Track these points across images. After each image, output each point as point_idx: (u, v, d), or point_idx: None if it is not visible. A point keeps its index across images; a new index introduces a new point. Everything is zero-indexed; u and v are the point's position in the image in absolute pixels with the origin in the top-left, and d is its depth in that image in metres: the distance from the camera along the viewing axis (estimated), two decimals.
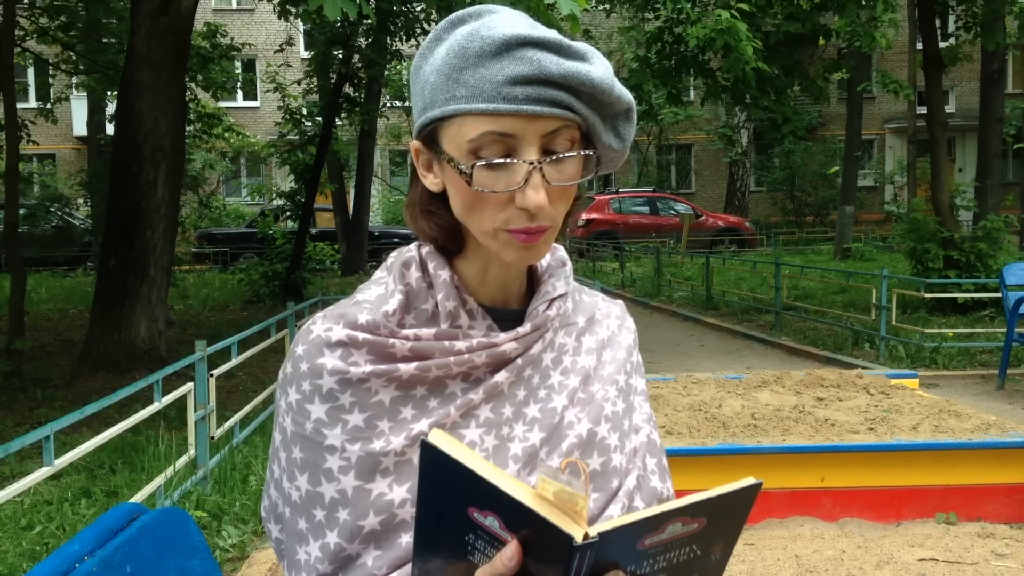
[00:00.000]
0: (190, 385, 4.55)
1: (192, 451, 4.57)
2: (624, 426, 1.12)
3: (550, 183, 0.97)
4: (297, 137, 15.08)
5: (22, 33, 12.12)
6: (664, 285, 15.14)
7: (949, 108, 27.95)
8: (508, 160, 0.95)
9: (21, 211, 18.37)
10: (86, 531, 1.10)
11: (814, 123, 27.06)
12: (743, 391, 5.20)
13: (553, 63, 0.94)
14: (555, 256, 1.17)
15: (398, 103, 25.23)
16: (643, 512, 0.79)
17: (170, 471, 4.31)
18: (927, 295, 9.71)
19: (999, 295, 8.09)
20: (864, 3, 10.91)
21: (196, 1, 8.18)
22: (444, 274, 1.05)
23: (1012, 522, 4.18)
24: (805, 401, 4.90)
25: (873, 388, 5.16)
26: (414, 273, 1.06)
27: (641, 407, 1.18)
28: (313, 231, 18.20)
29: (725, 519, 0.84)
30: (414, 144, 1.05)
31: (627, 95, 1.02)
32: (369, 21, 11.46)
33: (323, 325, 1.01)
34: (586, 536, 0.73)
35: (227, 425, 5.16)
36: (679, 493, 1.01)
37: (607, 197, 23.99)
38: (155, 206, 7.98)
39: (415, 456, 0.97)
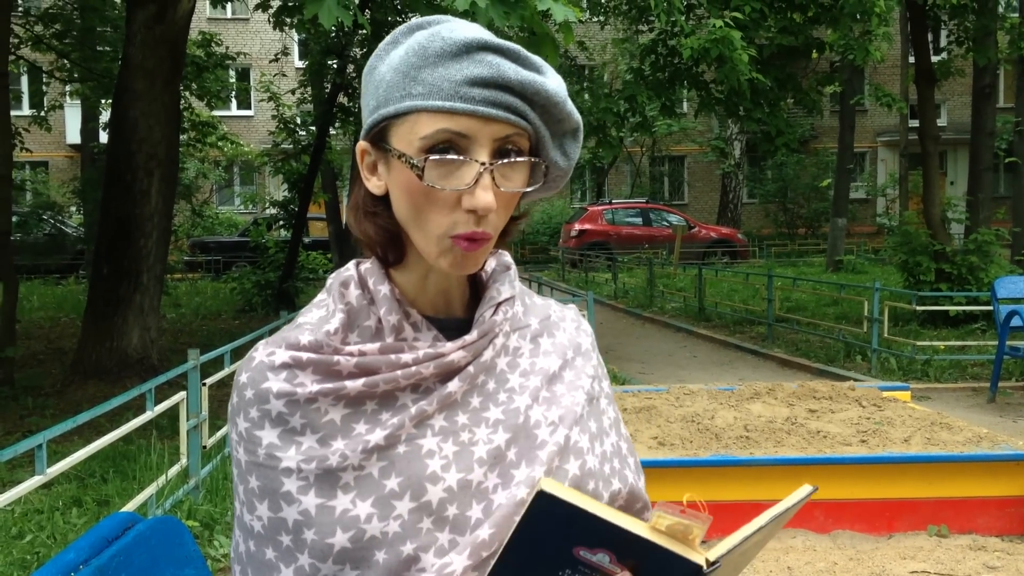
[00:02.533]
0: (182, 394, 4.54)
1: (184, 460, 4.56)
2: (593, 428, 1.11)
3: (499, 187, 0.97)
4: (291, 146, 15.11)
5: (17, 41, 12.12)
6: (657, 296, 15.16)
7: (941, 122, 28.09)
8: (461, 158, 0.95)
9: (13, 219, 18.30)
10: (81, 540, 1.10)
11: (807, 135, 27.18)
12: (735, 403, 5.21)
13: (511, 69, 0.96)
14: (500, 260, 1.15)
15: None
16: (742, 532, 0.84)
17: (162, 480, 4.30)
18: (919, 308, 9.74)
19: (990, 308, 8.12)
20: (858, 17, 10.97)
21: (191, 10, 8.19)
22: (384, 288, 1.04)
23: (1004, 535, 4.19)
24: (797, 413, 4.91)
25: (865, 400, 5.18)
26: (353, 291, 1.05)
27: (606, 410, 1.16)
28: (306, 240, 18.22)
29: (779, 525, 0.90)
30: (361, 145, 1.04)
31: (576, 114, 1.03)
32: (364, 31, 11.49)
33: (265, 350, 1.00)
34: (708, 562, 0.80)
35: (219, 434, 5.15)
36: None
37: (600, 208, 24.05)
38: (148, 214, 7.97)
39: (375, 470, 0.96)
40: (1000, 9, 12.75)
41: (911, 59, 13.19)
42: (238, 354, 5.58)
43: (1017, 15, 14.47)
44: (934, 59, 12.25)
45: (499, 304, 1.08)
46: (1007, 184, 25.77)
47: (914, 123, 14.17)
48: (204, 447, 4.79)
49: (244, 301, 14.05)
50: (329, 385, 0.98)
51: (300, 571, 0.95)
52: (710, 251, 23.00)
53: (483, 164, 0.95)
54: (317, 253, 18.41)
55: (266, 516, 0.97)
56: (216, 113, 19.33)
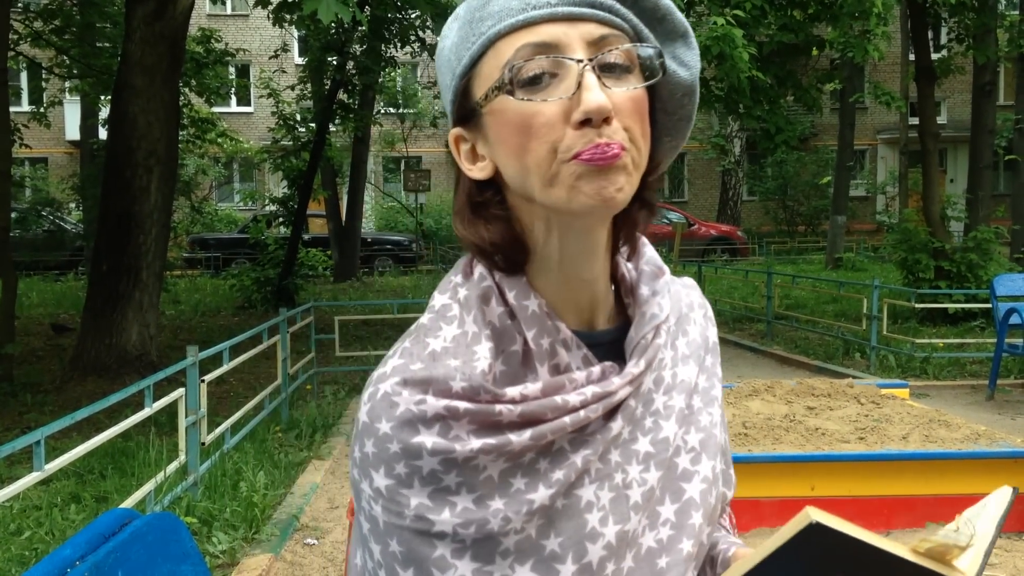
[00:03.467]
0: (181, 391, 4.54)
1: (183, 457, 4.56)
2: (722, 441, 1.00)
3: (610, 88, 0.81)
4: (290, 143, 15.09)
5: (16, 37, 12.10)
6: None
7: (941, 119, 28.09)
8: (554, 58, 0.81)
9: (13, 215, 18.29)
10: (78, 536, 1.10)
11: (806, 133, 27.16)
12: (734, 400, 5.21)
13: None
14: (648, 260, 0.99)
15: (392, 110, 25.27)
16: (982, 544, 0.81)
17: (160, 477, 4.30)
18: (918, 305, 9.75)
19: (989, 306, 8.12)
20: (857, 16, 10.96)
21: (191, 6, 8.18)
22: (532, 304, 0.88)
23: (1002, 532, 4.20)
24: (796, 410, 4.92)
25: (863, 398, 5.18)
26: (496, 308, 0.88)
27: (722, 417, 1.03)
28: (306, 237, 18.22)
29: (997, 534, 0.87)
30: (453, 133, 0.91)
31: (680, 14, 0.89)
32: (363, 28, 11.48)
33: (410, 396, 0.82)
34: None
35: (218, 431, 5.15)
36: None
37: None
38: (148, 211, 7.97)
39: (533, 530, 0.83)
40: (1000, 7, 12.75)
41: (911, 56, 13.18)
42: (237, 351, 5.59)
43: (1017, 12, 14.46)
44: (934, 56, 12.24)
45: (659, 325, 0.94)
46: (1007, 182, 25.77)
47: (914, 120, 14.15)
48: (203, 444, 4.79)
49: (243, 298, 14.05)
50: (492, 441, 0.82)
51: None
52: (710, 248, 23.00)
53: (581, 61, 0.81)
54: (317, 250, 18.42)
55: None
56: (216, 110, 19.32)
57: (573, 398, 0.85)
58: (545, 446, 0.85)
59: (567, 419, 0.85)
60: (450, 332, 0.87)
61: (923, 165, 11.50)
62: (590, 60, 0.81)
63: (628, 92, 0.82)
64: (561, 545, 0.84)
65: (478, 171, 0.89)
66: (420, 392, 0.82)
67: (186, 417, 4.57)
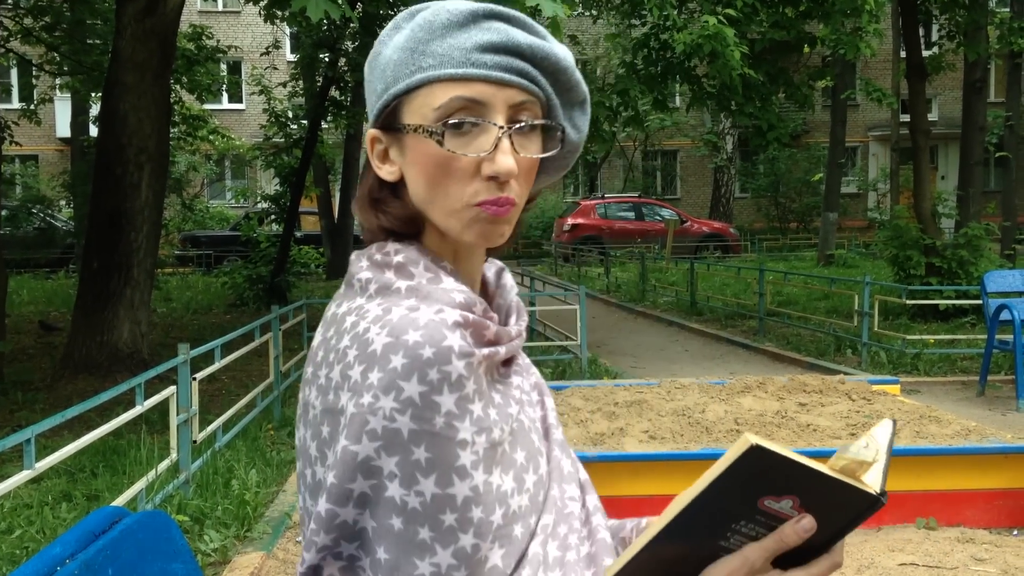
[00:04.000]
0: (173, 388, 4.53)
1: (174, 455, 4.55)
2: None
3: (519, 153, 0.96)
4: (282, 140, 15.06)
5: (6, 34, 12.06)
6: (649, 290, 15.18)
7: (932, 116, 28.16)
8: (480, 121, 0.94)
9: (3, 212, 18.23)
10: (67, 534, 1.10)
11: (798, 130, 27.21)
12: (726, 396, 5.22)
13: (521, 36, 0.96)
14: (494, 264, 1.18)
15: None
16: (884, 459, 0.89)
17: (152, 475, 4.29)
18: (909, 302, 9.78)
19: (980, 302, 8.16)
20: (849, 12, 10.98)
21: (182, 3, 8.15)
22: (446, 264, 1.01)
23: (992, 527, 4.22)
24: (787, 406, 4.93)
25: (855, 394, 5.20)
26: (429, 261, 1.00)
27: None
28: (298, 234, 18.17)
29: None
30: (372, 133, 1.02)
31: (584, 84, 1.02)
32: (355, 25, 11.46)
33: (428, 308, 0.92)
34: (880, 493, 0.89)
35: (210, 429, 5.14)
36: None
37: (593, 202, 24.05)
38: (139, 208, 7.94)
39: (507, 443, 0.95)
40: (991, 4, 12.79)
41: (903, 53, 13.20)
42: (229, 349, 5.58)
43: (1008, 10, 14.51)
44: (925, 53, 12.29)
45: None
46: (997, 178, 25.87)
47: (905, 117, 14.18)
48: (194, 442, 4.78)
49: (235, 295, 14.03)
50: (488, 350, 0.94)
51: (460, 552, 0.89)
52: (702, 245, 23.03)
53: (501, 128, 0.94)
54: (309, 247, 18.40)
55: (430, 492, 0.88)
56: (207, 107, 19.25)
57: (513, 329, 1.02)
58: (501, 368, 1.01)
59: (516, 342, 1.02)
60: (420, 275, 0.98)
61: (914, 162, 11.53)
62: (509, 127, 0.95)
63: (529, 158, 0.98)
64: (525, 458, 0.98)
65: (387, 173, 1.02)
66: (434, 303, 0.93)
67: (177, 415, 4.56)
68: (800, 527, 0.88)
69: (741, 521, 0.90)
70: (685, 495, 0.89)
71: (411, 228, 1.02)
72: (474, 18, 0.95)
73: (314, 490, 0.95)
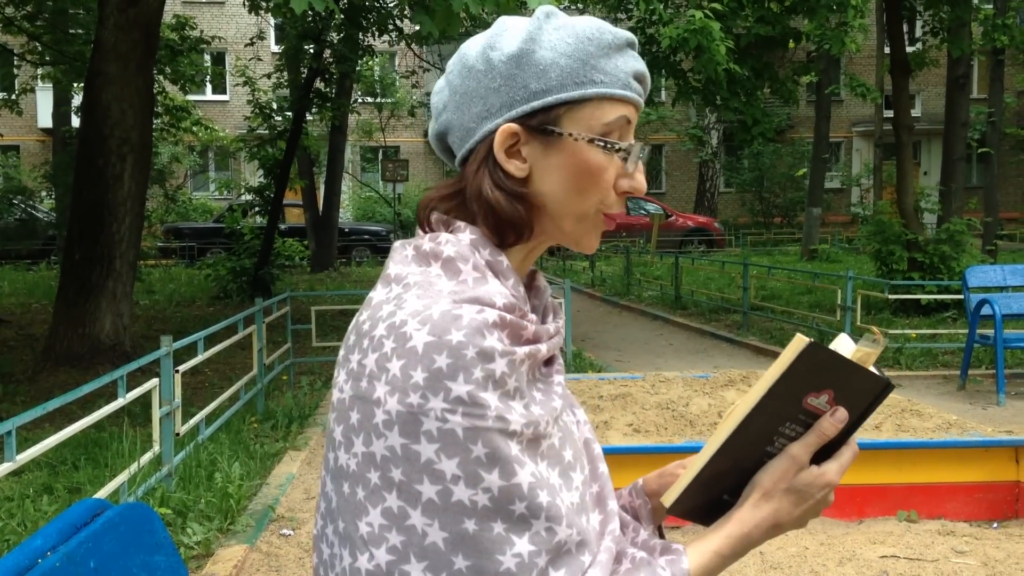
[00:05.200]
0: (155, 381, 4.51)
1: (157, 448, 4.53)
2: None
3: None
4: (267, 131, 14.96)
5: None
6: (633, 284, 15.21)
7: (915, 112, 28.34)
8: (639, 144, 1.04)
9: None
10: (49, 527, 1.09)
11: (783, 125, 27.31)
12: (710, 390, 5.24)
13: (645, 68, 1.07)
14: None
15: (370, 99, 25.12)
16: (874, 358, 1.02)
17: (134, 468, 4.27)
18: (891, 296, 9.84)
19: (961, 297, 8.22)
20: (834, 8, 11.02)
21: None
22: (504, 260, 1.02)
23: (972, 520, 4.26)
24: None
25: None
26: (479, 259, 1.01)
27: None
28: (282, 227, 18.10)
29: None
30: (510, 127, 1.01)
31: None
32: (340, 17, 11.40)
33: (470, 307, 0.93)
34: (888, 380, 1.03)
35: (192, 421, 5.12)
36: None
37: None
38: (121, 199, 7.88)
39: (556, 439, 0.98)
40: (974, 0, 12.85)
41: (887, 49, 13.26)
42: (212, 341, 5.55)
43: (991, 6, 14.60)
44: (909, 50, 12.34)
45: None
46: (979, 174, 26.06)
47: (889, 113, 14.26)
48: (177, 434, 4.76)
49: (219, 288, 13.95)
50: (529, 348, 0.96)
51: (537, 538, 0.90)
52: (687, 239, 23.10)
53: (643, 148, 1.04)
54: (293, 240, 18.28)
55: (496, 486, 0.89)
56: (190, 98, 19.14)
57: (551, 327, 1.04)
58: (542, 366, 1.03)
59: (555, 340, 1.04)
60: (448, 285, 0.98)
61: (897, 158, 11.59)
62: (643, 148, 1.05)
63: None
64: (573, 456, 1.01)
65: (515, 168, 1.02)
66: (476, 304, 0.94)
67: (160, 408, 4.54)
68: (836, 419, 1.00)
69: (787, 422, 0.99)
70: (742, 406, 0.98)
71: (519, 228, 1.03)
72: (629, 44, 1.04)
73: (336, 474, 0.96)
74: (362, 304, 1.04)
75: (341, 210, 22.19)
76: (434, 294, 0.95)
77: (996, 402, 7.08)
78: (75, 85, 14.40)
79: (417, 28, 8.20)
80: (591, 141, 1.01)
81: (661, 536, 1.18)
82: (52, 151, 21.20)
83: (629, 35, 1.05)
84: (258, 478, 5.01)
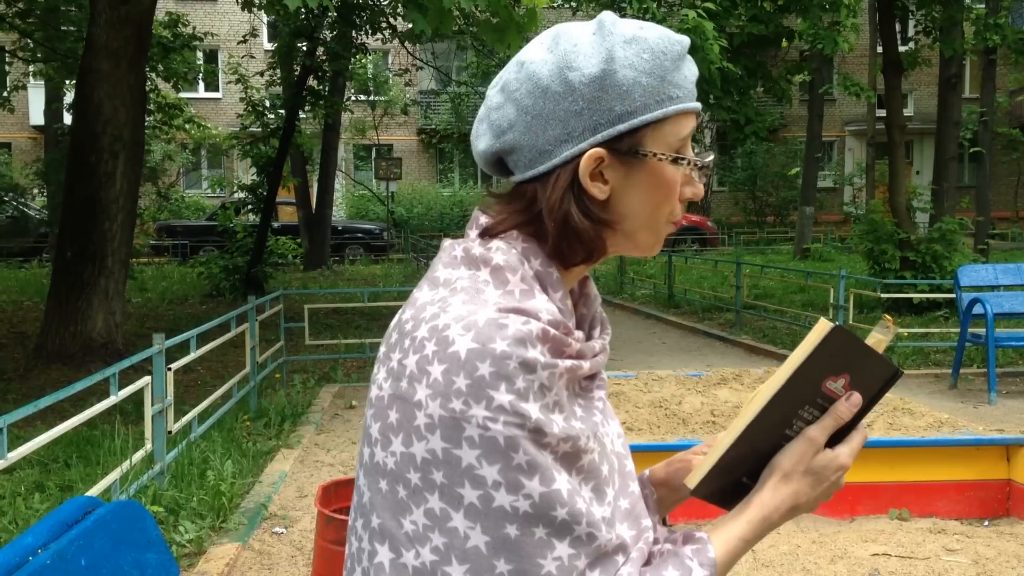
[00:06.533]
0: (147, 379, 4.50)
1: (149, 445, 4.52)
2: None
3: None
4: (259, 129, 14.92)
5: None
6: (627, 283, 15.22)
7: (908, 112, 28.38)
8: (711, 154, 1.07)
9: None
10: (40, 524, 1.09)
11: (776, 124, 27.35)
12: (703, 388, 5.25)
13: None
14: None
15: (363, 97, 25.08)
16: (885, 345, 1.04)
17: (126, 465, 4.25)
18: (883, 295, 9.87)
19: (953, 296, 8.24)
20: (827, 7, 11.04)
21: None
22: (555, 271, 1.01)
23: (963, 518, 4.27)
24: None
25: None
26: (528, 271, 1.01)
27: None
28: (275, 225, 18.05)
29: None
30: (596, 152, 0.99)
31: None
32: (333, 14, 11.38)
33: (516, 318, 0.92)
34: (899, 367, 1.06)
35: (185, 419, 5.11)
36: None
37: None
38: (113, 197, 7.86)
39: (596, 455, 0.98)
40: (967, 0, 12.89)
41: (879, 49, 13.29)
42: (204, 339, 5.54)
43: (983, 6, 14.64)
44: (902, 49, 12.38)
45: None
46: (971, 174, 26.15)
47: (881, 113, 14.30)
48: (170, 432, 4.75)
49: (211, 286, 13.92)
50: (570, 363, 0.96)
51: (577, 542, 0.92)
52: (680, 238, 23.12)
53: (699, 155, 1.05)
54: (286, 238, 18.28)
55: (538, 492, 0.90)
56: (183, 95, 19.06)
57: (596, 344, 1.04)
58: (586, 379, 1.03)
59: (600, 358, 1.04)
60: (514, 284, 0.98)
61: (890, 157, 11.62)
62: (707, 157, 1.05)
63: None
64: (608, 471, 1.00)
65: (599, 191, 1.01)
66: (522, 315, 0.93)
67: (152, 405, 4.53)
68: (851, 403, 1.03)
69: (805, 406, 1.02)
70: (766, 389, 1.01)
71: (595, 246, 1.03)
72: (689, 51, 1.03)
73: (371, 470, 0.96)
74: (405, 302, 1.04)
75: (334, 208, 22.15)
76: (480, 302, 0.95)
77: (987, 401, 7.10)
78: (67, 82, 14.35)
79: (410, 26, 8.18)
80: (675, 161, 1.01)
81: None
82: (44, 148, 21.12)
83: (688, 39, 1.04)
84: (250, 476, 5.00)
